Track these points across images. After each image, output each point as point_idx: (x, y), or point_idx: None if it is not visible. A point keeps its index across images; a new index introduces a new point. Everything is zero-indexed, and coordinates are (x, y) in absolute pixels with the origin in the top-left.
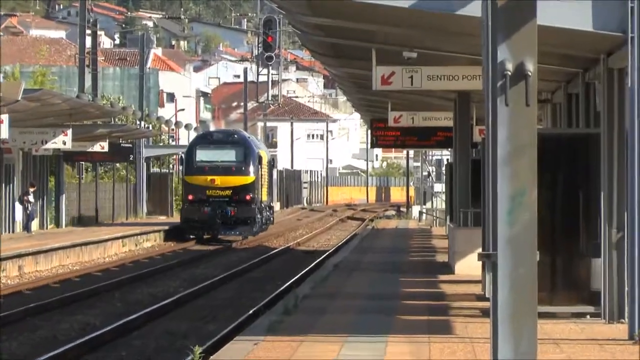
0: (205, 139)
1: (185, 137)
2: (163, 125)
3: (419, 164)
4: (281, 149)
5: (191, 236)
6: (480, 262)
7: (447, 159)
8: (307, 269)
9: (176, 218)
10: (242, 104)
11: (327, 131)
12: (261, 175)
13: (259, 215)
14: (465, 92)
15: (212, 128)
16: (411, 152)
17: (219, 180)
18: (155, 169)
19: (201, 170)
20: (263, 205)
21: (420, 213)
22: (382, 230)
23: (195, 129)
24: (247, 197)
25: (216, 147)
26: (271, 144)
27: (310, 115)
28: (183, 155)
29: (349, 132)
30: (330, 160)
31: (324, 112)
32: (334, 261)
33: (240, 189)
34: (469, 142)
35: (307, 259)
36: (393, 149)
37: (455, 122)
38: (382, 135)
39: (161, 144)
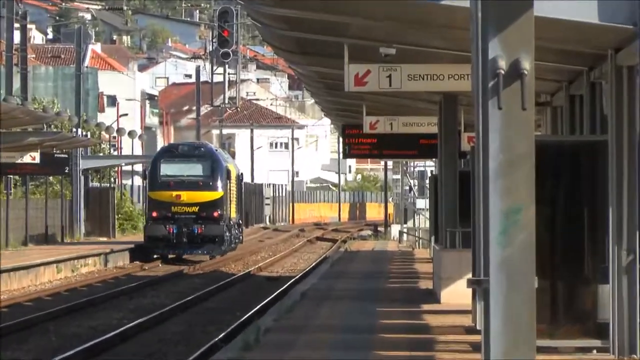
0: (170, 152)
1: (129, 147)
2: (103, 133)
3: (398, 176)
4: (240, 159)
5: (155, 256)
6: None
7: (431, 171)
8: (270, 298)
9: (119, 239)
10: (194, 108)
11: (293, 139)
12: (230, 190)
13: (227, 233)
14: (452, 94)
15: (158, 135)
16: (390, 162)
17: (185, 195)
18: (95, 183)
19: (166, 185)
20: (232, 223)
21: (401, 233)
22: (356, 252)
23: (140, 136)
24: (215, 214)
25: (181, 161)
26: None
27: (273, 120)
28: (147, 170)
29: (318, 140)
30: (297, 173)
31: (289, 117)
32: (302, 289)
33: (207, 205)
34: (457, 152)
35: (270, 286)
36: (369, 160)
37: (440, 128)
38: (356, 143)
39: (101, 155)
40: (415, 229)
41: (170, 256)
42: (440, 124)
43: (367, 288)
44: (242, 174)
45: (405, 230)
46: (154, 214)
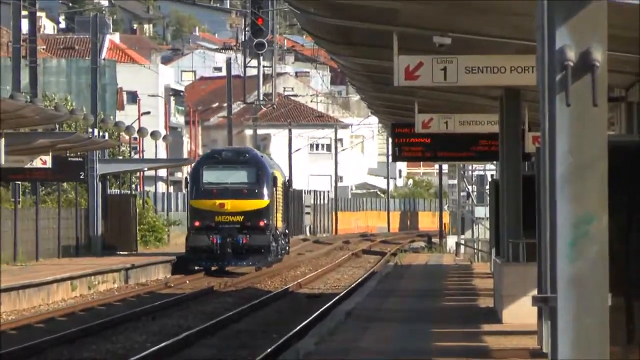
0: (213, 159)
1: (152, 149)
2: (123, 134)
3: (455, 181)
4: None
5: (196, 267)
6: (536, 308)
7: (492, 176)
8: (310, 318)
9: (142, 252)
10: (224, 105)
11: (336, 140)
12: (276, 198)
13: (274, 244)
14: (514, 89)
15: (185, 136)
16: (445, 166)
17: (229, 204)
18: (114, 190)
19: (209, 193)
20: (278, 233)
21: (458, 245)
22: (408, 267)
23: (164, 137)
24: (261, 224)
25: (225, 168)
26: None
27: (313, 119)
28: (187, 177)
29: (364, 141)
30: (341, 178)
31: (331, 115)
32: (346, 308)
33: (252, 215)
34: (520, 154)
35: (311, 305)
36: (421, 163)
37: (501, 127)
38: (407, 144)
39: (121, 158)
40: (473, 240)
41: (213, 268)
42: (501, 122)
43: (420, 307)
44: (288, 180)
45: (462, 241)
46: (197, 224)
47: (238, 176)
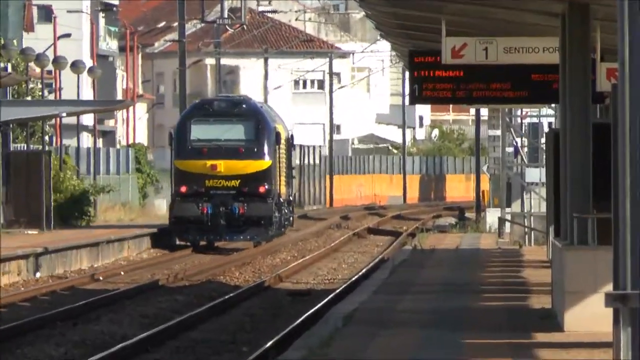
0: (203, 110)
1: (72, 87)
2: (32, 65)
3: (497, 132)
4: None
5: (182, 242)
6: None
7: (550, 124)
8: (294, 325)
9: (56, 233)
10: (174, 24)
11: (331, 75)
12: (279, 158)
13: (276, 214)
14: (582, 3)
15: (119, 69)
16: (484, 111)
17: (223, 166)
18: (19, 145)
19: (198, 152)
20: (282, 200)
21: (502, 221)
22: (431, 252)
23: (91, 70)
24: (261, 190)
25: (218, 121)
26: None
27: (299, 45)
28: (172, 132)
29: (371, 77)
30: (337, 128)
31: (324, 39)
32: (345, 310)
33: (251, 178)
34: (589, 93)
35: (296, 305)
36: (450, 107)
37: (563, 56)
38: (430, 80)
39: (29, 99)
40: (524, 215)
41: (202, 243)
42: (563, 49)
43: (448, 309)
44: (292, 136)
45: (508, 217)
46: (183, 190)
47: (233, 132)
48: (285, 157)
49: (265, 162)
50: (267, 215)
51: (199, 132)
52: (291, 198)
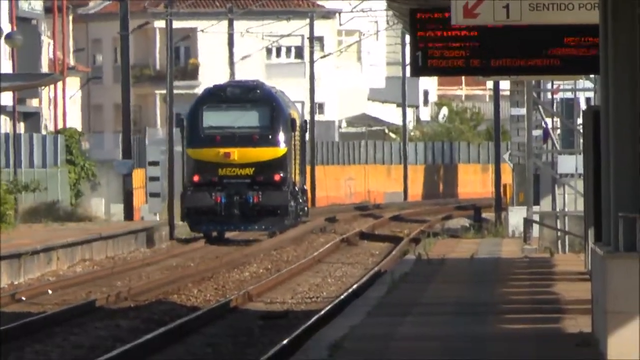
0: (216, 97)
1: None
2: None
3: (522, 111)
4: (208, 82)
5: (197, 233)
6: None
7: (588, 100)
8: (266, 357)
9: None
10: None
11: (312, 40)
12: (294, 146)
13: (292, 203)
14: None
15: (45, 35)
16: (504, 84)
17: (237, 154)
18: None
19: (211, 140)
20: (297, 189)
21: (528, 223)
22: (440, 262)
23: (10, 37)
24: (276, 178)
25: (231, 108)
26: (185, 68)
27: (272, 3)
28: (184, 119)
29: (362, 42)
30: (320, 106)
31: None
32: (331, 336)
33: (266, 167)
34: (637, 62)
35: (269, 331)
36: (463, 79)
37: (604, 13)
38: (437, 47)
39: None
40: (556, 214)
41: (214, 234)
42: (604, 5)
43: (463, 335)
44: (305, 121)
45: (536, 217)
46: (196, 179)
47: (247, 118)
48: (299, 145)
49: (281, 149)
50: (283, 204)
51: (212, 119)
52: (305, 187)
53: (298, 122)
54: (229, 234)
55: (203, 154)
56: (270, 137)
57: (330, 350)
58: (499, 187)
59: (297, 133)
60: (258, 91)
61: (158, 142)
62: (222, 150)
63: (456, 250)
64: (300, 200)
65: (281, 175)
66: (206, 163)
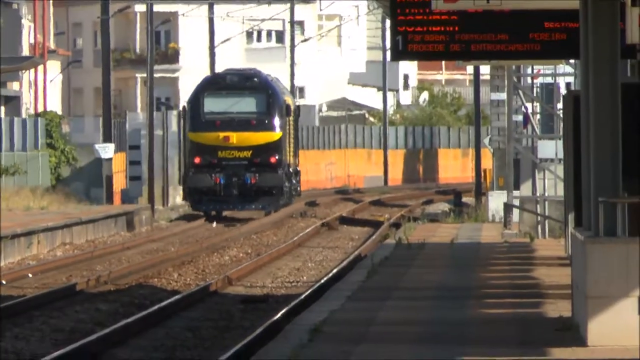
0: (216, 84)
1: None
2: None
3: (502, 95)
4: (188, 66)
5: (198, 212)
6: None
7: (568, 85)
8: (248, 340)
9: None
10: None
11: (292, 24)
12: (289, 130)
13: (286, 184)
14: None
15: (25, 19)
16: (484, 69)
17: (235, 137)
18: None
19: (211, 125)
20: (290, 171)
21: (508, 208)
22: (420, 247)
23: None
24: (272, 160)
25: (230, 94)
26: (166, 52)
27: None
28: (185, 105)
29: (342, 27)
30: (301, 90)
31: None
32: (312, 320)
33: (262, 149)
34: (617, 47)
35: (249, 315)
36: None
37: (584, 1)
38: (417, 31)
39: None
40: (536, 199)
41: (213, 213)
42: None
43: (443, 319)
44: (298, 107)
45: (516, 202)
46: (197, 161)
47: (245, 104)
48: (293, 129)
49: (276, 133)
50: (278, 185)
51: (212, 105)
52: (298, 169)
53: (292, 108)
54: (226, 213)
55: (204, 137)
56: (266, 122)
57: (311, 334)
58: (479, 172)
59: (291, 118)
60: (255, 79)
61: (139, 125)
62: (221, 134)
63: (436, 235)
64: (294, 181)
65: (277, 157)
66: (207, 146)
